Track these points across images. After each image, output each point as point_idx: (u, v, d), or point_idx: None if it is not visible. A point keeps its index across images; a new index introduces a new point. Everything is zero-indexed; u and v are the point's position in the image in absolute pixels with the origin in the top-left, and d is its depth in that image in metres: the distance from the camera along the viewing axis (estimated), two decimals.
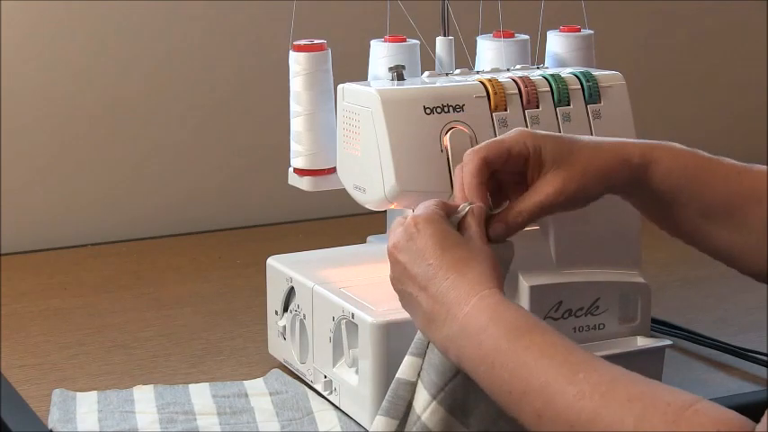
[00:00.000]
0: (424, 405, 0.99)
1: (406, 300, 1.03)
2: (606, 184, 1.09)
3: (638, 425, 0.82)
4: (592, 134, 1.25)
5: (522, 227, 1.09)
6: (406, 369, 1.03)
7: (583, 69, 1.29)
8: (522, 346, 0.90)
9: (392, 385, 1.04)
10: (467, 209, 1.05)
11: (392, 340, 1.18)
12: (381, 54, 1.34)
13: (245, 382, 1.35)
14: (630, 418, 0.82)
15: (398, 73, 1.26)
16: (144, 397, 1.32)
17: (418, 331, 1.03)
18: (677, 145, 1.12)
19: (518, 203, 1.09)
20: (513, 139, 1.09)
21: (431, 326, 0.99)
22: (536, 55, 1.39)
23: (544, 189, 1.08)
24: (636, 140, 1.12)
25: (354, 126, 1.24)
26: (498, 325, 0.93)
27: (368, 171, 1.22)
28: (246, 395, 1.32)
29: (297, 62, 1.35)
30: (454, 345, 0.96)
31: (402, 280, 1.02)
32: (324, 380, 1.30)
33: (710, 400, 0.84)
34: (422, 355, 1.02)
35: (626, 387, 0.85)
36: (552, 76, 1.26)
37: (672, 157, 1.10)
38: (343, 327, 1.25)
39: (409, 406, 1.02)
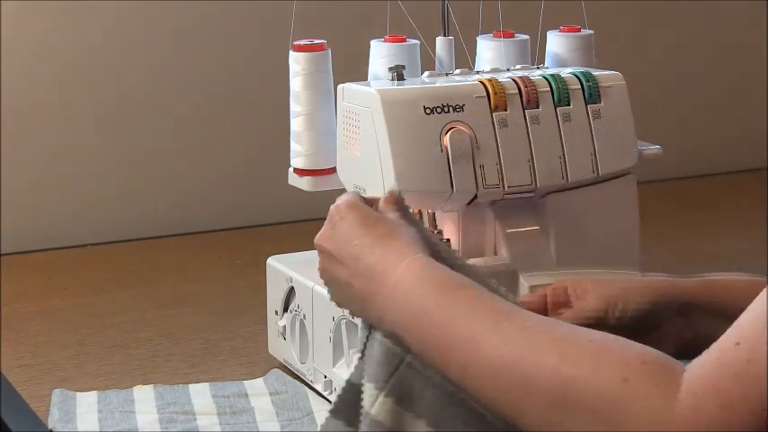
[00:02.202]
0: (371, 400, 0.99)
1: (337, 288, 1.02)
2: (653, 295, 1.06)
3: (561, 361, 0.82)
4: (592, 134, 1.25)
5: None
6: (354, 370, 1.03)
7: (583, 69, 1.29)
8: (448, 302, 0.91)
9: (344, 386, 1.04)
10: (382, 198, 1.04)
11: None
12: (381, 54, 1.34)
13: (245, 382, 1.35)
14: (553, 356, 0.83)
15: (398, 73, 1.26)
16: (144, 397, 1.32)
17: (359, 329, 1.03)
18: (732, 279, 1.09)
19: (560, 315, 1.08)
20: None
21: (365, 305, 0.99)
22: (536, 55, 1.39)
23: (586, 300, 1.07)
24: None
25: (354, 126, 1.24)
26: (425, 285, 0.93)
27: (368, 171, 1.22)
28: (246, 395, 1.32)
29: (297, 62, 1.35)
30: (387, 313, 0.96)
31: (331, 269, 1.02)
32: (324, 380, 1.30)
33: None
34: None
35: (549, 330, 0.85)
36: (552, 76, 1.26)
37: (726, 278, 1.07)
38: (343, 327, 1.25)
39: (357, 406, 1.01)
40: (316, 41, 1.36)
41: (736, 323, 0.77)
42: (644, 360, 0.79)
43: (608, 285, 1.07)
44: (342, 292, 1.02)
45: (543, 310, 1.08)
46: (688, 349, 0.94)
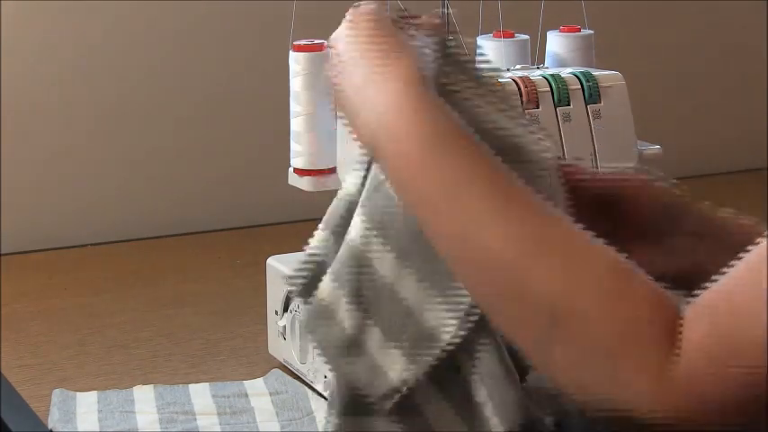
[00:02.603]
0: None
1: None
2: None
3: (570, 289, 0.71)
4: (592, 134, 1.25)
5: None
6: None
7: (583, 69, 1.29)
8: (445, 163, 0.75)
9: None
10: None
11: None
12: None
13: (245, 382, 1.35)
14: (561, 279, 0.71)
15: None
16: (144, 397, 1.31)
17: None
18: None
19: None
20: None
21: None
22: (536, 55, 1.39)
23: None
24: None
25: None
26: (421, 139, 0.76)
27: None
28: (246, 395, 1.32)
29: (297, 62, 1.35)
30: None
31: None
32: (324, 380, 1.30)
33: None
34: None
35: (564, 239, 0.72)
36: (552, 76, 1.26)
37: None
38: None
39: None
40: (316, 41, 1.36)
41: (732, 276, 0.70)
42: (656, 307, 0.71)
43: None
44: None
45: None
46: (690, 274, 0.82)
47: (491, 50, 1.37)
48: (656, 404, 0.70)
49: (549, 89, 1.25)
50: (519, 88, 1.23)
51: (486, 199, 0.74)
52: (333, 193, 1.38)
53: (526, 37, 1.39)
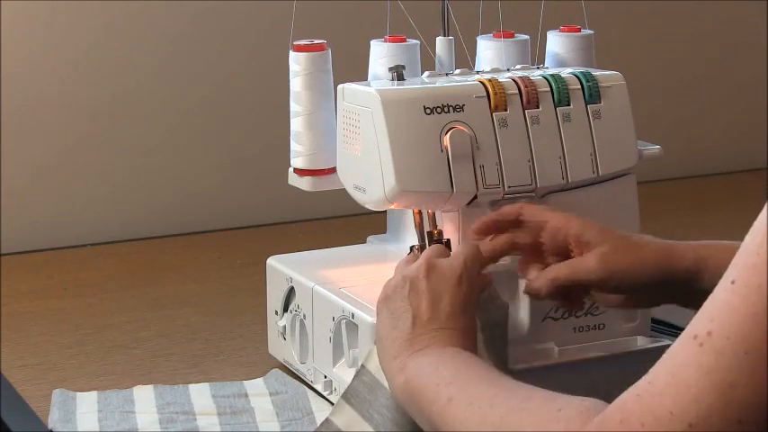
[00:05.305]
0: None
1: (400, 309, 1.07)
2: (654, 271, 1.09)
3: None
4: (592, 134, 1.25)
5: (550, 293, 1.12)
6: (339, 414, 1.11)
7: (583, 69, 1.29)
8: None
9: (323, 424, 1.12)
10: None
11: None
12: (381, 54, 1.34)
13: (245, 382, 1.35)
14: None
15: (398, 73, 1.26)
16: (144, 397, 1.32)
17: (353, 379, 1.11)
18: (724, 242, 1.09)
19: (554, 269, 1.11)
20: (555, 215, 1.14)
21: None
22: (536, 55, 1.39)
23: (586, 260, 1.10)
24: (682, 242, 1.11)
25: (354, 126, 1.24)
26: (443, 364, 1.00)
27: (368, 171, 1.22)
28: (246, 395, 1.32)
29: (297, 62, 1.35)
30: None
31: (398, 300, 1.07)
32: (324, 380, 1.30)
33: None
34: (357, 403, 1.10)
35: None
36: (552, 76, 1.25)
37: (723, 251, 1.07)
38: (343, 327, 1.25)
39: None
40: (316, 41, 1.36)
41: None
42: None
43: (615, 254, 1.07)
44: (401, 315, 1.07)
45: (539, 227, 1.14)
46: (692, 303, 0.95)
47: (491, 50, 1.37)
48: None
49: (549, 89, 1.25)
50: (519, 88, 1.23)
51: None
52: (333, 193, 1.39)
53: (526, 37, 1.39)
